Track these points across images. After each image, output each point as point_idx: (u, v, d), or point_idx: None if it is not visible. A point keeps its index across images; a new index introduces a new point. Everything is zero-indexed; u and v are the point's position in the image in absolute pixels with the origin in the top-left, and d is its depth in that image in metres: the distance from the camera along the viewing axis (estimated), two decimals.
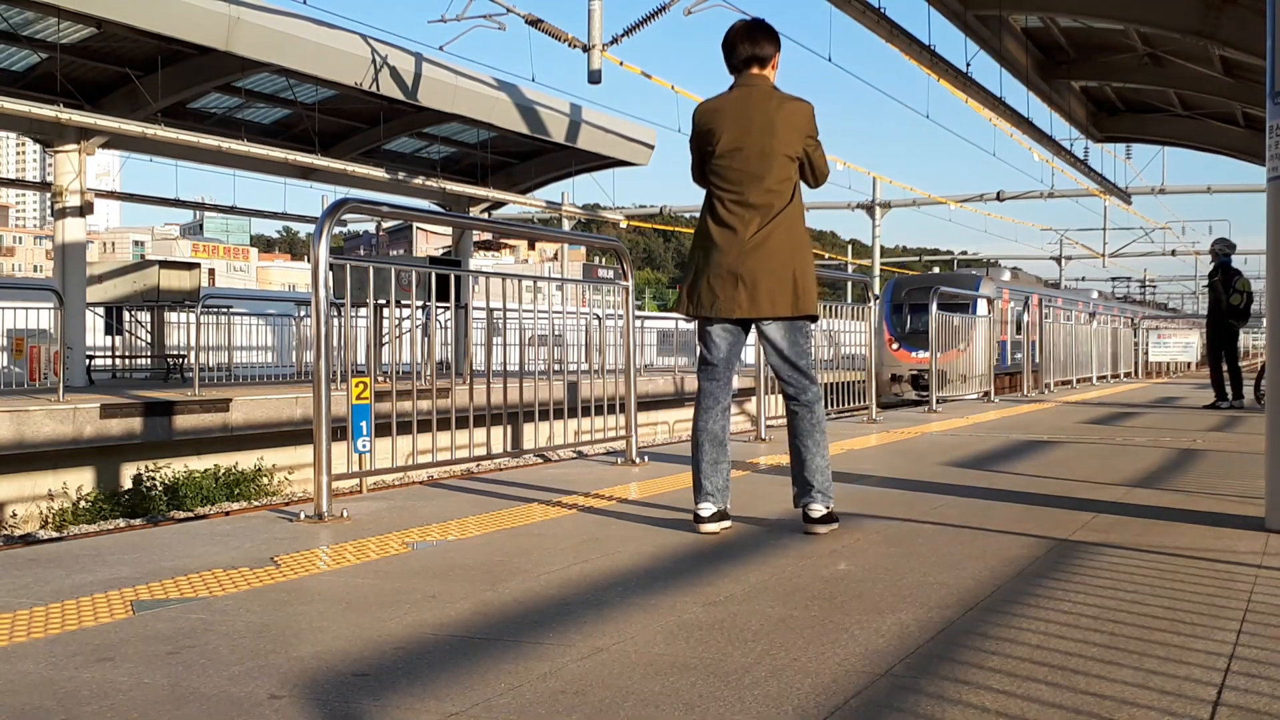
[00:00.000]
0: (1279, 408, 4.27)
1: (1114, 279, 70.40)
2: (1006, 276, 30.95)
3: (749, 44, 4.25)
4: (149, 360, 18.13)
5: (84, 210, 15.92)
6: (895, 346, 26.14)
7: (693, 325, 4.62)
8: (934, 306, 12.19)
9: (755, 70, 4.27)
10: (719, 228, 4.22)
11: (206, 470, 13.00)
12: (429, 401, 5.72)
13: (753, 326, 4.32)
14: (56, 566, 3.72)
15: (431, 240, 48.75)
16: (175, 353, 18.02)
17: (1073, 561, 3.69)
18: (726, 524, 4.31)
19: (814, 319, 4.30)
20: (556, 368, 7.25)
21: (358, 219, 39.41)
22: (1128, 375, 22.56)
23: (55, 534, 10.93)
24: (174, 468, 12.89)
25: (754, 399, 8.78)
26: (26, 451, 11.46)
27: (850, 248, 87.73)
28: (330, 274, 4.66)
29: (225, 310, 17.83)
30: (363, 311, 14.31)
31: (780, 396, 4.48)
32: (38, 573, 3.62)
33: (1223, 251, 12.66)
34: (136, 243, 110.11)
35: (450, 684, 2.43)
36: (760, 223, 4.16)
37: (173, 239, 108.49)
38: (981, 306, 22.72)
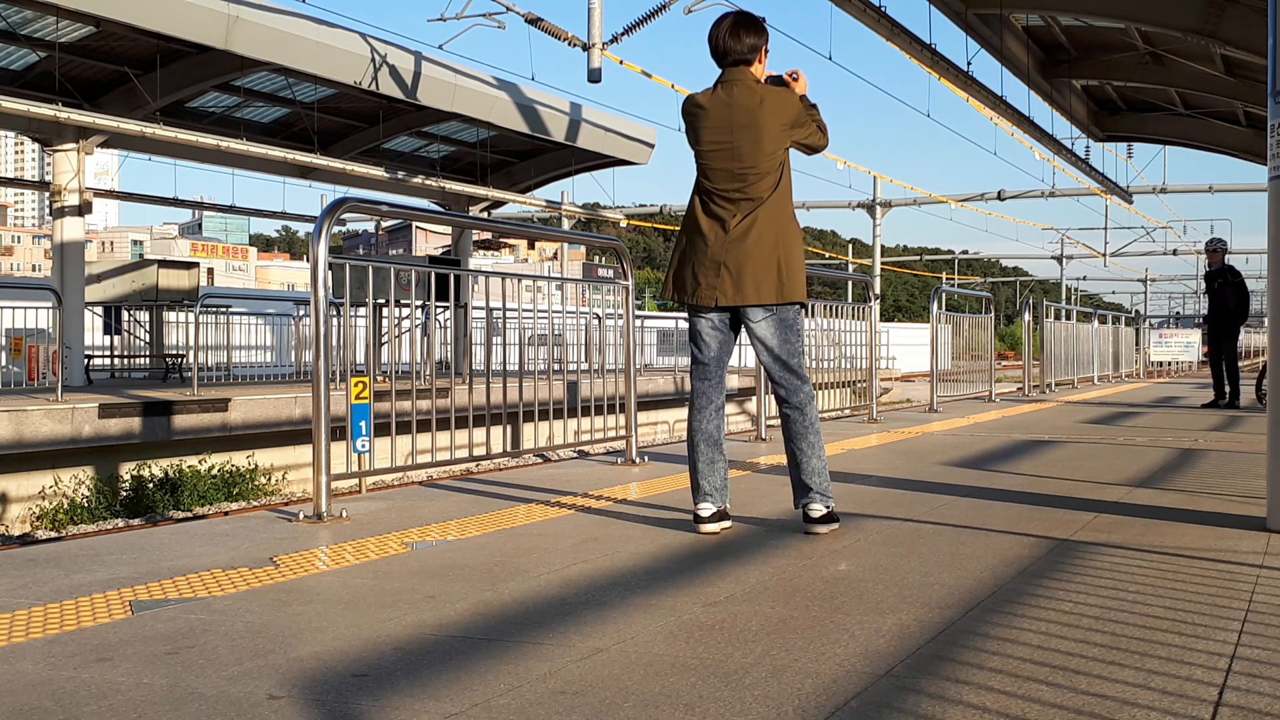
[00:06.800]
0: (1279, 408, 4.27)
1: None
2: None
3: (732, 40, 4.24)
4: (147, 360, 18.12)
5: (82, 209, 15.91)
6: None
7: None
8: (934, 308, 12.19)
9: (739, 66, 4.26)
10: (706, 218, 4.23)
11: (205, 470, 12.99)
12: (428, 401, 5.71)
13: (743, 326, 4.31)
14: (55, 566, 3.71)
15: (431, 239, 48.75)
16: (174, 352, 18.00)
17: (1074, 561, 3.68)
18: (726, 524, 4.30)
19: (802, 305, 4.29)
20: (556, 367, 7.24)
21: (357, 218, 39.40)
22: (1129, 375, 22.57)
23: (53, 534, 10.91)
24: (172, 467, 12.87)
25: (754, 399, 8.77)
26: (25, 451, 11.45)
27: (851, 247, 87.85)
28: (329, 273, 4.65)
29: (224, 310, 17.81)
30: (362, 311, 14.34)
31: None
32: (36, 573, 3.61)
33: (1226, 249, 12.77)
34: (135, 242, 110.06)
35: (449, 684, 2.42)
36: (744, 214, 4.17)
37: (171, 238, 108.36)
38: None
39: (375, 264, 5.58)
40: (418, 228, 45.35)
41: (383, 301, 9.09)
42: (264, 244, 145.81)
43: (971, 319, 14.40)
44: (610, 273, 74.63)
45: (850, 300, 15.85)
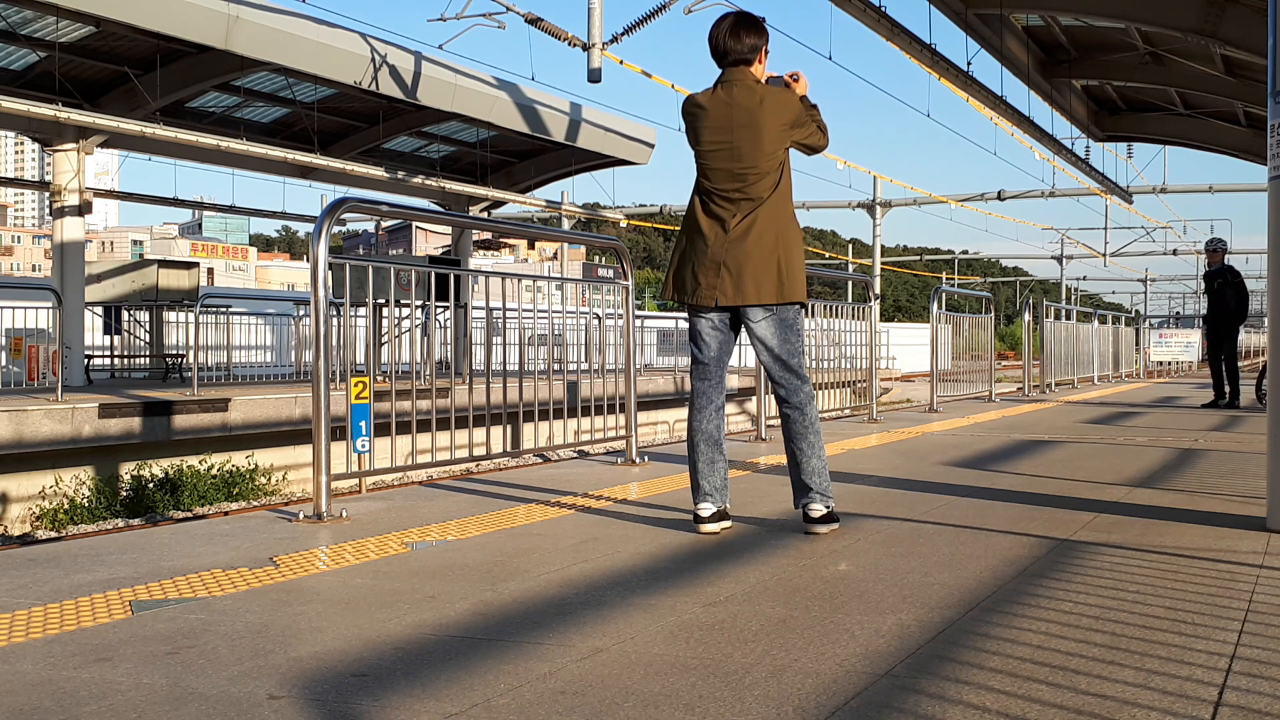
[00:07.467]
0: (1279, 408, 4.27)
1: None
2: None
3: (732, 40, 4.24)
4: (148, 360, 18.12)
5: (82, 209, 15.91)
6: None
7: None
8: (934, 308, 12.20)
9: (739, 66, 4.26)
10: (706, 218, 4.24)
11: (205, 470, 12.99)
12: (428, 401, 5.71)
13: (743, 326, 4.31)
14: (55, 566, 3.71)
15: (431, 239, 48.76)
16: (174, 352, 18.00)
17: (1074, 561, 3.68)
18: (726, 524, 4.30)
19: (802, 305, 4.30)
20: (556, 367, 7.24)
21: (357, 218, 39.36)
22: (1129, 375, 22.57)
23: (53, 534, 10.91)
24: (172, 467, 12.88)
25: (754, 399, 8.77)
26: (25, 451, 11.45)
27: (851, 247, 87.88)
28: (329, 273, 4.65)
29: (224, 310, 17.81)
30: (362, 311, 14.35)
31: None
32: (36, 573, 3.61)
33: (1226, 250, 12.79)
34: (135, 242, 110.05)
35: (449, 684, 2.42)
36: (744, 214, 4.17)
37: (171, 238, 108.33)
38: None
39: (375, 264, 5.58)
40: (418, 228, 45.36)
41: (383, 301, 9.10)
42: (264, 244, 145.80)
43: (971, 319, 14.40)
44: (610, 273, 74.65)
45: (850, 300, 15.85)
